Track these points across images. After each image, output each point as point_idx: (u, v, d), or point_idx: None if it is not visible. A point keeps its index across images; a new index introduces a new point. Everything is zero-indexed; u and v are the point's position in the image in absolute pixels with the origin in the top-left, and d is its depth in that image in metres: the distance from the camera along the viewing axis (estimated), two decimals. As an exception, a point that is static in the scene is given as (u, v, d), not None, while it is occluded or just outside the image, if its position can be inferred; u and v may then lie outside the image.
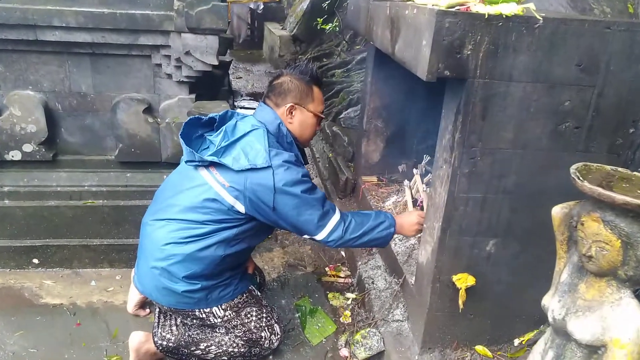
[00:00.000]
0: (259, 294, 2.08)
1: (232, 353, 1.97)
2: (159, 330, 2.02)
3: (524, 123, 1.60)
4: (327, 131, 3.95)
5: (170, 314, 2.05)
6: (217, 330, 1.98)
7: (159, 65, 2.47)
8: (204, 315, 1.92)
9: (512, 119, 1.59)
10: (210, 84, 3.08)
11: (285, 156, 1.82)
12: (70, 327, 2.25)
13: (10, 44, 2.34)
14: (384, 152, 2.98)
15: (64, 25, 2.27)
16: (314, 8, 6.38)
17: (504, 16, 1.43)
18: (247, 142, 1.84)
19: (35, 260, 2.58)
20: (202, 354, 1.98)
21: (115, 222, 2.60)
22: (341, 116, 4.31)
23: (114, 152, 2.60)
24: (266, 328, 1.99)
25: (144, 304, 2.34)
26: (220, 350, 1.96)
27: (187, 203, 1.85)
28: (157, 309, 2.07)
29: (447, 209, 1.72)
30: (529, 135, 1.62)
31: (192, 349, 1.98)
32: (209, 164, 1.85)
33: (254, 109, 2.22)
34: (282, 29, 7.64)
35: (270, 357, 2.12)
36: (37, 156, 2.52)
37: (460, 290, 1.78)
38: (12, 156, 2.51)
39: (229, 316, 1.93)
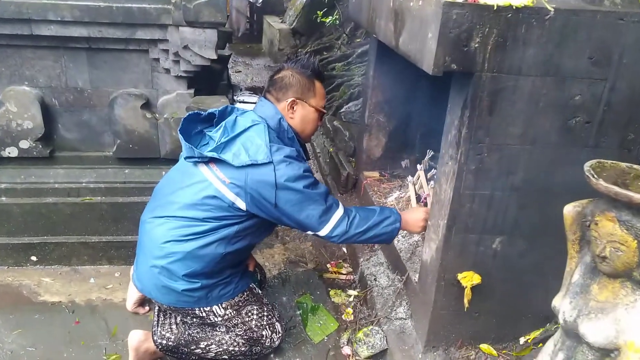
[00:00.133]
0: (259, 292, 2.05)
1: (233, 352, 1.94)
2: (159, 329, 1.99)
3: (533, 118, 1.55)
4: (328, 126, 3.91)
5: (170, 313, 2.02)
6: (217, 329, 1.95)
7: (157, 59, 2.42)
8: (204, 314, 1.88)
9: (520, 113, 1.54)
10: (209, 79, 3.04)
11: (287, 151, 1.79)
12: (69, 325, 2.22)
13: (5, 38, 2.28)
14: (386, 147, 2.93)
15: (59, 19, 2.22)
16: (314, 1, 6.30)
17: (514, 7, 1.38)
18: (248, 137, 1.80)
19: (34, 258, 2.55)
20: (202, 353, 1.95)
21: (113, 219, 2.56)
22: (342, 110, 4.26)
23: (112, 149, 2.56)
24: (267, 326, 1.96)
25: (143, 301, 2.30)
26: (221, 349, 1.93)
27: (186, 200, 1.81)
28: (157, 307, 2.03)
29: (452, 206, 1.68)
30: (538, 131, 1.57)
31: (192, 347, 1.95)
32: (209, 160, 1.81)
33: (254, 103, 2.17)
34: (281, 22, 7.56)
35: (272, 355, 2.09)
36: (34, 152, 2.48)
37: (466, 289, 1.75)
38: (9, 153, 2.47)
39: (230, 315, 1.90)
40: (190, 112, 1.91)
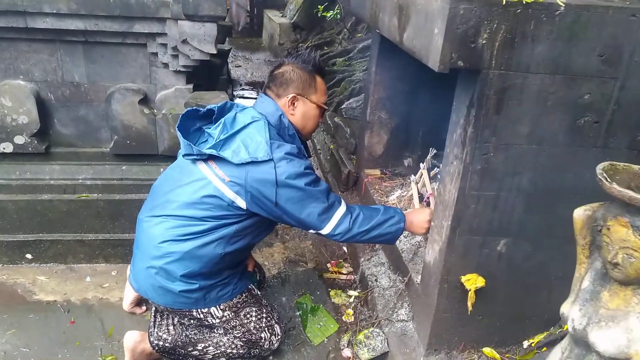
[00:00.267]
0: (258, 293, 2.01)
1: (231, 354, 1.90)
2: (155, 330, 1.95)
3: (541, 117, 1.51)
4: (329, 122, 3.86)
5: (167, 313, 1.98)
6: (215, 330, 1.91)
7: (155, 54, 2.37)
8: (201, 316, 1.85)
9: (528, 112, 1.50)
10: (208, 74, 2.99)
11: (287, 148, 1.74)
12: (64, 325, 2.18)
13: (-1, 31, 2.24)
14: (388, 144, 2.89)
15: (54, 11, 2.17)
16: (315, -5, 6.24)
17: (523, 2, 1.33)
18: (248, 134, 1.76)
19: (29, 256, 2.51)
20: (199, 354, 1.91)
21: (110, 217, 2.52)
22: (343, 106, 4.21)
23: (109, 145, 2.51)
24: (266, 329, 1.92)
25: (140, 301, 2.27)
26: (219, 352, 1.90)
27: (185, 199, 1.77)
28: (154, 308, 2.00)
29: (457, 207, 1.64)
30: (546, 130, 1.53)
31: (189, 349, 1.91)
32: (208, 158, 1.76)
33: (254, 98, 2.13)
34: (282, 16, 7.51)
35: (270, 357, 2.06)
36: (30, 148, 2.44)
37: (470, 292, 1.71)
38: (4, 148, 2.42)
39: (228, 317, 1.86)
40: (188, 109, 1.86)
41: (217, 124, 1.83)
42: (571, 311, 1.27)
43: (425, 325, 1.92)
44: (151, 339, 1.92)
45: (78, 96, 2.44)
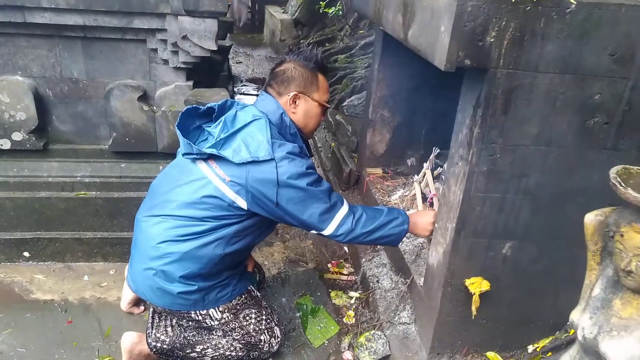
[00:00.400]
0: (258, 294, 1.98)
1: (230, 357, 1.87)
2: (153, 331, 1.92)
3: (549, 118, 1.47)
4: (330, 119, 3.82)
5: (165, 315, 1.95)
6: (214, 332, 1.88)
7: (155, 50, 2.33)
8: (200, 317, 1.81)
9: (536, 113, 1.46)
10: (209, 70, 2.95)
11: (289, 147, 1.71)
12: (61, 325, 2.15)
13: (-3, 26, 2.20)
14: (390, 143, 2.85)
15: (53, 6, 2.13)
16: (317, -9, 6.19)
17: (533, 0, 1.29)
18: (248, 133, 1.72)
19: (26, 254, 2.48)
20: (197, 357, 1.88)
21: (109, 215, 2.49)
22: (344, 104, 4.17)
23: (108, 142, 2.47)
24: (266, 331, 1.89)
25: (138, 301, 2.23)
26: (217, 354, 1.86)
27: (184, 198, 1.73)
28: (152, 309, 1.96)
29: (462, 209, 1.60)
30: (554, 131, 1.49)
31: (188, 351, 1.88)
32: (208, 157, 1.73)
33: (255, 95, 2.09)
34: (283, 12, 7.46)
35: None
36: (27, 145, 2.40)
37: (474, 296, 1.68)
38: (1, 145, 2.39)
39: (227, 319, 1.83)
40: (188, 107, 1.82)
41: (217, 122, 1.80)
42: (581, 319, 1.23)
43: (428, 328, 1.89)
44: (149, 341, 1.89)
45: (77, 92, 2.40)
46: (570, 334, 1.75)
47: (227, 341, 1.86)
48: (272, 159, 1.66)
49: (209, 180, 1.71)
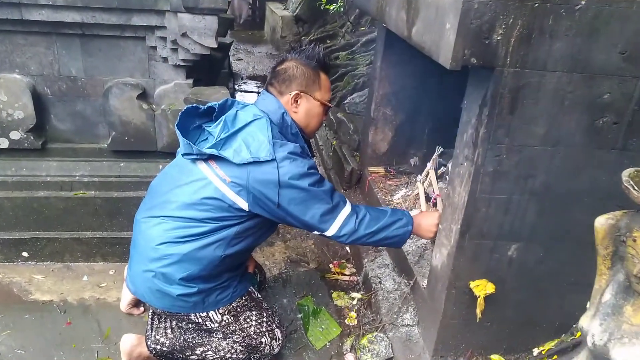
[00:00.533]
0: (259, 296, 1.95)
1: (230, 359, 1.84)
2: (153, 334, 1.89)
3: (557, 117, 1.44)
4: (331, 117, 3.78)
5: (165, 317, 1.92)
6: (214, 334, 1.85)
7: (154, 47, 2.30)
8: (200, 320, 1.79)
9: (544, 112, 1.42)
10: (209, 68, 2.91)
11: (291, 147, 1.67)
12: (60, 326, 2.13)
13: (-6, 23, 2.17)
14: (393, 141, 2.82)
15: (51, 3, 2.10)
16: (318, -13, 6.14)
17: (542, -4, 1.25)
18: (249, 133, 1.69)
19: (25, 254, 2.45)
20: (197, 359, 1.85)
21: (108, 214, 2.46)
22: (346, 101, 4.14)
23: (107, 141, 2.45)
24: (267, 333, 1.86)
25: (138, 302, 2.21)
26: (218, 356, 1.84)
27: (184, 199, 1.70)
28: (151, 311, 1.94)
29: (467, 210, 1.57)
30: (562, 131, 1.46)
31: (188, 354, 1.85)
32: (208, 157, 1.70)
33: (256, 92, 2.06)
34: (284, 9, 7.41)
35: (271, 361, 2.00)
36: (26, 144, 2.37)
37: (479, 299, 1.65)
38: (-1, 144, 2.36)
39: (227, 321, 1.80)
40: (188, 106, 1.79)
41: (217, 122, 1.76)
42: (591, 326, 1.20)
43: (431, 330, 1.86)
44: (148, 343, 1.87)
45: (75, 91, 2.37)
46: (577, 336, 1.72)
47: (227, 344, 1.83)
48: (274, 160, 1.63)
49: (209, 181, 1.68)
